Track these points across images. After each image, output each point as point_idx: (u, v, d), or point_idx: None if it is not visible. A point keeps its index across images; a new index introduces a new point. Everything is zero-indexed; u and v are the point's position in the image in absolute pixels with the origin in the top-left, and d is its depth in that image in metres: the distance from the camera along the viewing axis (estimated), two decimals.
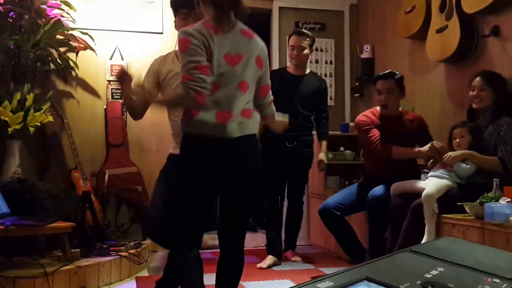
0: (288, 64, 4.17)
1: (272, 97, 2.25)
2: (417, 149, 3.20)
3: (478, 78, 3.02)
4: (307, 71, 3.94)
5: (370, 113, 3.49)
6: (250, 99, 2.10)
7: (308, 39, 3.83)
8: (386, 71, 3.44)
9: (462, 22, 3.37)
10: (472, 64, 3.48)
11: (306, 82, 3.86)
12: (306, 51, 3.82)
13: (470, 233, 2.56)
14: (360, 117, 3.50)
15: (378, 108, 3.47)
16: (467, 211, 2.63)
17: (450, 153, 2.94)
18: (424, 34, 3.76)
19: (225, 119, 1.99)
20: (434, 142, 3.11)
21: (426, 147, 3.12)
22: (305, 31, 3.95)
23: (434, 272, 0.87)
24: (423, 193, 2.84)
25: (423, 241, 2.77)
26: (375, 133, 3.36)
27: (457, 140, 3.02)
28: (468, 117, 3.16)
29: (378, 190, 3.24)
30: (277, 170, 3.84)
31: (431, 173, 3.05)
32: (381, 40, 4.80)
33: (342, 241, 3.51)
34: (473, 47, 3.44)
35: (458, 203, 2.65)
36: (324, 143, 3.91)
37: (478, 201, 2.58)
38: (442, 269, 0.89)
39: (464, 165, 2.90)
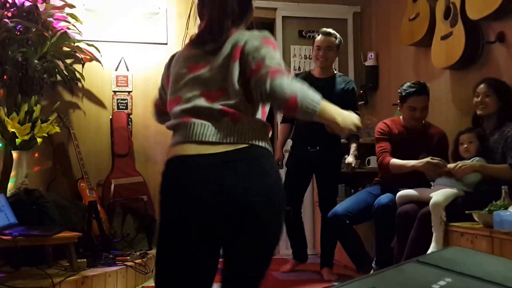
0: (312, 67, 4.04)
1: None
2: (411, 164, 3.15)
3: (482, 85, 3.02)
4: (334, 72, 3.82)
5: (391, 122, 3.45)
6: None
7: (336, 39, 3.71)
8: (417, 85, 3.30)
9: (467, 29, 3.37)
10: (477, 71, 3.47)
11: (333, 85, 3.72)
12: (333, 52, 3.72)
13: (478, 242, 2.54)
14: (380, 124, 3.48)
15: (401, 117, 3.43)
16: (476, 219, 2.61)
17: (460, 164, 2.91)
18: (428, 41, 3.76)
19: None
20: (430, 158, 3.07)
21: (420, 162, 3.09)
22: (332, 31, 3.79)
23: (441, 283, 0.86)
24: (431, 202, 2.82)
25: (430, 250, 2.76)
26: (384, 145, 3.34)
27: (465, 145, 3.01)
28: (473, 123, 3.16)
29: (384, 198, 3.20)
30: (296, 178, 3.74)
31: (437, 181, 3.05)
32: (385, 47, 4.82)
33: (349, 250, 3.46)
34: (478, 54, 3.43)
35: (467, 212, 2.63)
36: (353, 145, 3.71)
37: (487, 209, 2.55)
38: (449, 279, 0.88)
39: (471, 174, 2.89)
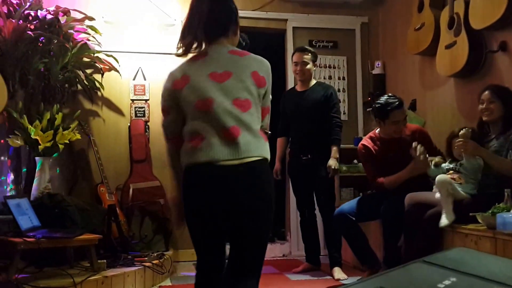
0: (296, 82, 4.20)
1: (267, 123, 1.91)
2: (403, 175, 3.22)
3: (486, 92, 3.03)
4: (312, 83, 3.96)
5: (369, 140, 3.47)
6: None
7: (310, 54, 3.90)
8: (396, 101, 3.34)
9: (470, 38, 3.40)
10: (481, 79, 3.50)
11: (310, 94, 3.89)
12: (309, 66, 3.89)
13: (482, 243, 2.56)
14: (360, 146, 3.52)
15: (377, 131, 3.47)
16: (479, 221, 2.63)
17: (464, 142, 2.91)
18: (433, 50, 3.79)
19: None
20: (413, 146, 3.15)
21: (407, 170, 3.19)
22: (307, 47, 4.02)
23: (446, 282, 0.86)
24: (437, 178, 2.87)
25: (442, 222, 2.80)
26: (370, 169, 3.43)
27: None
28: (479, 129, 3.15)
29: (392, 200, 3.24)
30: (298, 184, 3.94)
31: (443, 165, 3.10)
32: (391, 56, 4.85)
33: (355, 247, 3.48)
34: (481, 62, 3.47)
35: (471, 213, 2.66)
36: (334, 148, 3.75)
37: (490, 211, 2.58)
38: (454, 279, 0.88)
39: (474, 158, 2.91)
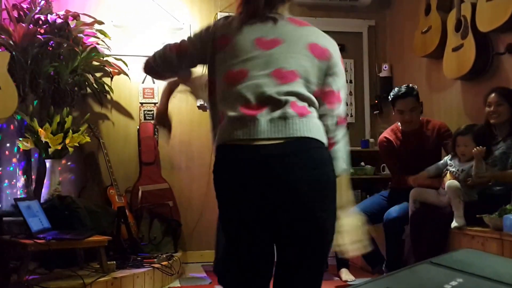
0: None
1: (341, 116, 1.54)
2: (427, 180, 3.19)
3: (493, 95, 3.03)
4: None
5: (391, 132, 3.47)
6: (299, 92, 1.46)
7: None
8: (402, 89, 3.38)
9: (477, 41, 3.41)
10: (487, 81, 3.50)
11: None
12: None
13: (489, 245, 2.57)
14: (381, 137, 3.52)
15: (399, 124, 3.48)
16: (486, 223, 2.64)
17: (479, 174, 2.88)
18: (440, 53, 3.80)
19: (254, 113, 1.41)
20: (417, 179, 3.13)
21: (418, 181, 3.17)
22: None
23: (453, 283, 0.86)
24: (447, 184, 2.86)
25: (453, 225, 2.80)
26: (391, 162, 3.41)
27: (462, 148, 3.00)
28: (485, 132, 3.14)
29: (394, 211, 3.23)
30: None
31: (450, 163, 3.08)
32: (398, 59, 4.85)
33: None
34: (488, 65, 3.47)
35: (477, 215, 2.67)
36: None
37: (497, 213, 2.59)
38: (461, 280, 0.87)
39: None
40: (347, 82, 5.06)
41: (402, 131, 3.45)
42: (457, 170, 3.02)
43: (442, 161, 3.20)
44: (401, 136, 3.45)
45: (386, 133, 3.52)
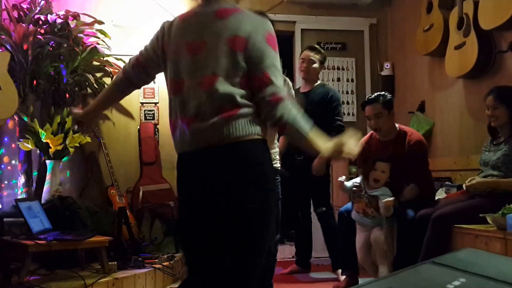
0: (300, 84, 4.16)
1: (275, 94, 1.52)
2: None
3: (490, 97, 2.96)
4: (315, 85, 3.89)
5: (367, 139, 3.45)
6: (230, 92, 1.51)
7: (319, 54, 3.83)
8: (372, 96, 3.36)
9: (479, 39, 3.39)
10: (490, 79, 3.48)
11: (312, 95, 3.80)
12: (315, 65, 3.81)
13: (492, 244, 2.55)
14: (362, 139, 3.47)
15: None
16: (490, 222, 2.62)
17: (472, 181, 2.90)
18: (442, 51, 3.79)
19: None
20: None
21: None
22: (317, 46, 3.96)
23: (456, 283, 0.86)
24: (372, 237, 3.04)
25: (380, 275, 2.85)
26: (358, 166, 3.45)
27: (377, 173, 3.12)
28: (489, 132, 3.10)
29: (342, 208, 3.33)
30: (294, 182, 3.77)
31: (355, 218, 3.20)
32: (400, 57, 4.84)
33: (345, 249, 3.35)
34: (491, 63, 3.45)
35: (480, 214, 2.64)
36: None
37: (501, 212, 2.57)
38: (464, 280, 0.88)
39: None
40: (349, 81, 5.03)
41: (378, 139, 3.41)
42: (364, 194, 3.13)
43: (351, 182, 3.24)
44: (376, 143, 3.40)
45: (362, 142, 3.43)
